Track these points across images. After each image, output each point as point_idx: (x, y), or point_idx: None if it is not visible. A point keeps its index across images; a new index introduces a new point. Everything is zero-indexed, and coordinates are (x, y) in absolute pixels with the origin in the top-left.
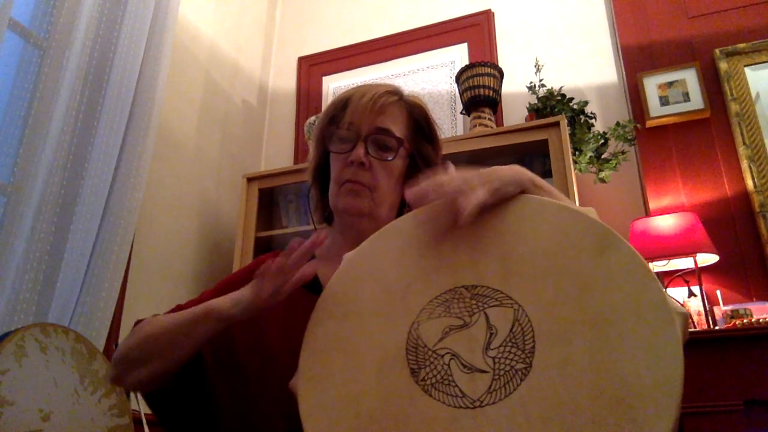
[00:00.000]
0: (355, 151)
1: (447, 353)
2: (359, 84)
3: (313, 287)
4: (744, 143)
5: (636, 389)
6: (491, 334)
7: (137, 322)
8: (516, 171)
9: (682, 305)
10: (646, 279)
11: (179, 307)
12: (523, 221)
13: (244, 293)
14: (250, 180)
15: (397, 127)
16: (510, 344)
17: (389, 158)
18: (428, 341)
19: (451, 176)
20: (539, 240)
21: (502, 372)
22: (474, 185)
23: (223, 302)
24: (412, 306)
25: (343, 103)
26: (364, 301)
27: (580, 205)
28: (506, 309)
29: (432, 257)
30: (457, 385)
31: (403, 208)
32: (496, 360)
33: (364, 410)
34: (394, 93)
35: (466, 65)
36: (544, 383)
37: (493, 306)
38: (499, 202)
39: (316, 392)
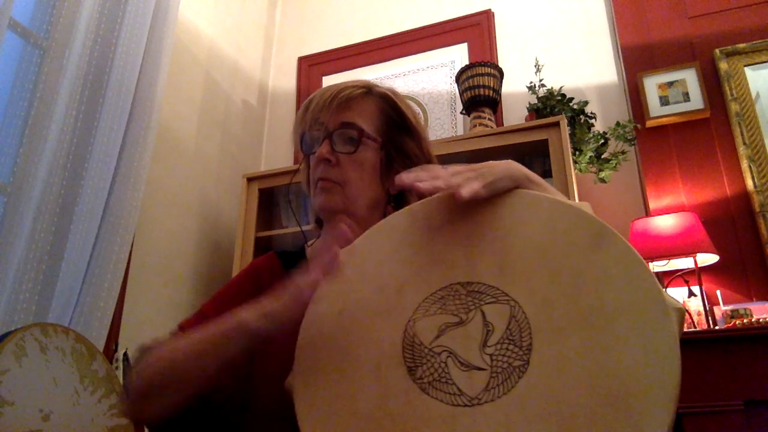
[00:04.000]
0: (320, 149)
1: (444, 351)
2: None
3: None
4: (744, 143)
5: (632, 385)
6: (488, 331)
7: (142, 349)
8: (510, 166)
9: (682, 303)
10: (642, 274)
11: (181, 327)
12: (517, 217)
13: (273, 305)
14: (250, 180)
15: (365, 120)
16: (507, 341)
17: (351, 150)
18: (424, 339)
19: (446, 168)
20: (534, 235)
21: (499, 369)
22: (468, 177)
23: (250, 316)
24: (408, 304)
25: (308, 104)
26: (360, 298)
27: None
28: (502, 306)
29: (427, 254)
30: (454, 383)
31: (388, 204)
32: (494, 357)
33: (361, 409)
34: (360, 86)
35: (466, 65)
36: (541, 380)
37: (489, 303)
38: (493, 196)
39: (312, 391)
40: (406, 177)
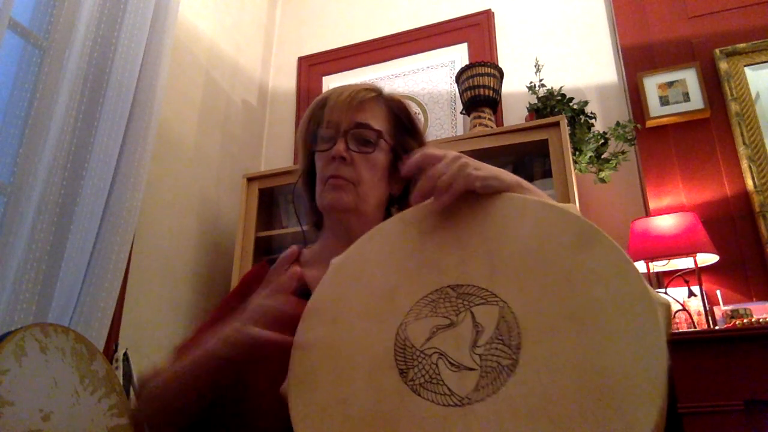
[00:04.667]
0: (336, 147)
1: (435, 353)
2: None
3: (303, 293)
4: (744, 143)
5: (621, 381)
6: (477, 331)
7: (141, 381)
8: (502, 170)
9: (678, 300)
10: (628, 271)
11: (178, 351)
12: (507, 219)
13: (231, 334)
14: (250, 180)
15: (377, 122)
16: (496, 341)
17: (369, 151)
18: (416, 342)
19: (445, 153)
20: (523, 237)
21: (488, 369)
22: (466, 164)
23: (215, 345)
24: (400, 307)
25: (322, 102)
26: (352, 304)
27: (580, 205)
28: (492, 306)
29: (418, 258)
30: (445, 384)
31: (391, 206)
32: (483, 357)
33: (355, 413)
34: (373, 90)
35: (466, 65)
36: (530, 379)
37: (479, 304)
38: (484, 193)
39: (306, 397)
40: (414, 161)
